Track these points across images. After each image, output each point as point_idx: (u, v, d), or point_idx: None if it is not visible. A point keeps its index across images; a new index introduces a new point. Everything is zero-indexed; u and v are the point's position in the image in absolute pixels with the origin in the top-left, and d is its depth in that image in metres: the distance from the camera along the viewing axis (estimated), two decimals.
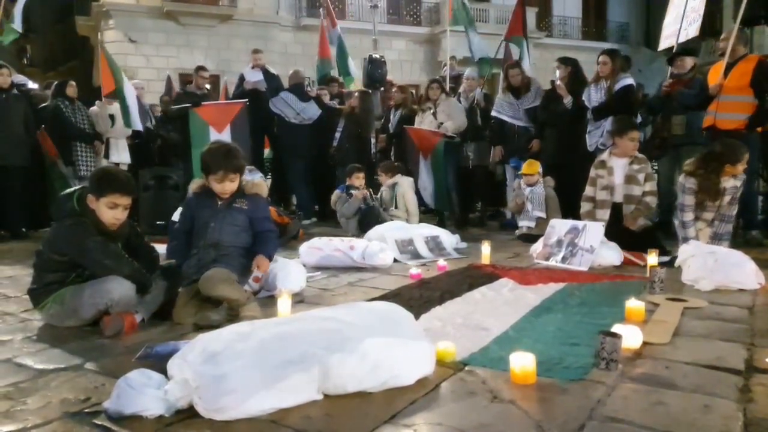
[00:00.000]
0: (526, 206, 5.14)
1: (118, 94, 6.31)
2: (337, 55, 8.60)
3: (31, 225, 5.73)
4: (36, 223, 5.75)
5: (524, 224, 5.18)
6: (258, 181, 2.98)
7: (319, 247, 4.01)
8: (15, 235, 5.52)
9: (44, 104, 6.15)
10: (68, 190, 2.66)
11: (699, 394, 1.71)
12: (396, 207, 5.53)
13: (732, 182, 3.87)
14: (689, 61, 5.08)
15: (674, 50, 5.38)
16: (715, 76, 4.76)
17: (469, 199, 6.46)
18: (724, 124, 4.57)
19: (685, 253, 3.48)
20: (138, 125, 6.41)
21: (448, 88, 6.58)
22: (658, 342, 2.18)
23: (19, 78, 6.68)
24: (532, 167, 5.22)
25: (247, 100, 6.64)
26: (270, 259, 2.89)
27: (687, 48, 5.38)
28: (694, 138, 4.93)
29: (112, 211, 2.52)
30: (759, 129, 4.75)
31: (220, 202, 2.89)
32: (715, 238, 3.90)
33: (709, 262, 3.20)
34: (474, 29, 7.86)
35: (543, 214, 5.07)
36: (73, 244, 2.50)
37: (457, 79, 7.42)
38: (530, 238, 4.81)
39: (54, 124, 5.98)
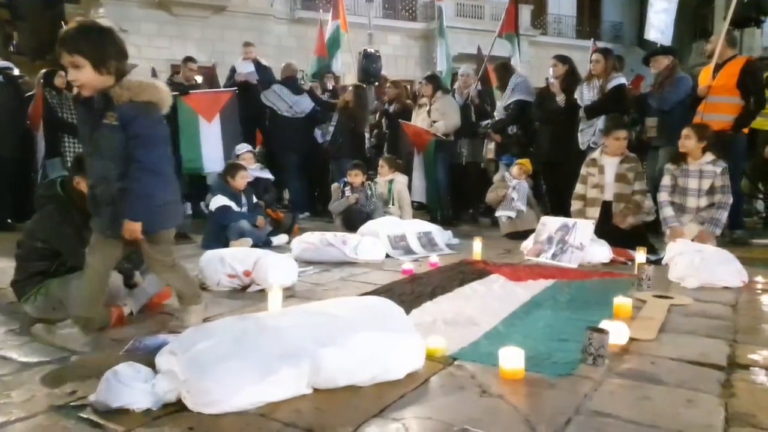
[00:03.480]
0: (509, 196, 5.19)
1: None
2: (329, 46, 8.61)
3: (17, 216, 5.67)
4: (22, 215, 5.69)
5: (504, 213, 5.22)
6: (150, 82, 2.14)
7: (311, 242, 4.01)
8: (1, 226, 5.46)
9: (30, 93, 6.06)
10: (48, 179, 2.63)
11: (683, 389, 1.74)
12: (393, 204, 5.56)
13: (710, 167, 4.03)
14: (664, 61, 5.02)
15: (650, 50, 5.37)
16: (705, 77, 4.78)
17: (463, 196, 6.47)
18: (711, 125, 4.59)
19: (672, 251, 3.52)
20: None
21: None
22: (645, 338, 2.21)
23: (2, 63, 6.53)
24: (528, 164, 5.36)
25: (236, 88, 6.60)
26: (135, 219, 2.06)
27: (663, 47, 5.30)
28: (669, 140, 4.86)
29: None
30: (745, 130, 4.76)
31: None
32: (712, 223, 3.99)
33: (696, 261, 3.24)
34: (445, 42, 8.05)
35: (524, 208, 5.15)
36: (53, 229, 2.47)
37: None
38: (516, 235, 4.86)
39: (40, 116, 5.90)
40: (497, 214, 5.32)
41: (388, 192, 5.57)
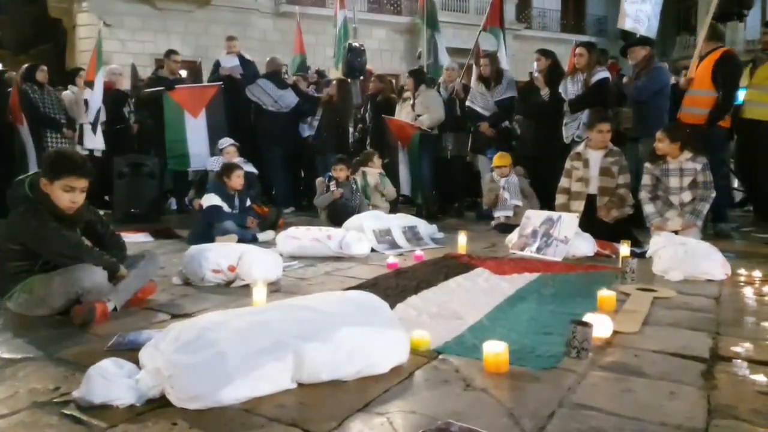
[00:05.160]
0: (502, 197, 5.19)
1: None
2: (340, 38, 8.54)
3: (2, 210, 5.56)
4: (3, 211, 5.58)
5: (501, 214, 5.21)
6: None
7: (297, 236, 3.99)
8: None
9: (11, 89, 5.95)
10: (21, 177, 2.57)
11: (666, 381, 1.76)
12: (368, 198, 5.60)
13: (690, 164, 4.08)
14: (641, 51, 5.04)
15: (626, 41, 5.40)
16: (692, 71, 4.82)
17: (448, 190, 6.48)
18: (687, 119, 4.62)
19: (656, 244, 3.56)
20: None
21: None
22: (628, 331, 2.23)
23: None
24: (504, 159, 5.26)
25: (222, 83, 6.55)
26: None
27: (640, 38, 5.25)
28: (644, 131, 4.86)
29: (68, 194, 2.43)
30: (725, 124, 4.77)
31: None
32: (693, 213, 4.05)
33: (680, 254, 3.28)
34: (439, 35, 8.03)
35: (520, 203, 5.15)
36: (28, 233, 2.42)
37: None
38: (506, 228, 4.87)
39: (21, 110, 5.80)
40: (496, 214, 5.27)
41: (365, 186, 5.60)
